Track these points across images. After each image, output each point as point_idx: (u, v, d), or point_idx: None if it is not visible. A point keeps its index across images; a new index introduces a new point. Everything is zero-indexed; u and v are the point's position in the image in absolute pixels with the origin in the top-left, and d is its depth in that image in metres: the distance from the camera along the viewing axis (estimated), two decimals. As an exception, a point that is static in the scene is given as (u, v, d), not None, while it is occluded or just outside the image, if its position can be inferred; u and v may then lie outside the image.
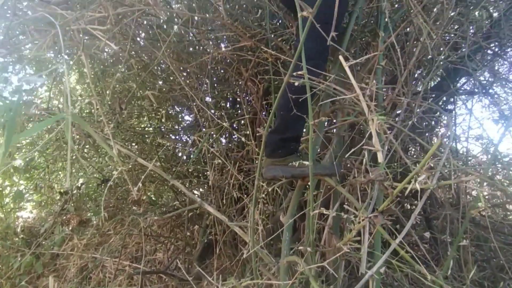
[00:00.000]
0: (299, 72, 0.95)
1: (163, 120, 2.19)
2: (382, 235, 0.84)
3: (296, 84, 0.92)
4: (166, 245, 2.24)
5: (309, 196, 0.98)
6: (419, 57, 1.66)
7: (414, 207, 2.18)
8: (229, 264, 1.72)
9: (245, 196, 1.77)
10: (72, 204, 2.73)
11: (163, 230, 2.46)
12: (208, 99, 2.17)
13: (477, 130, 3.85)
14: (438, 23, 1.60)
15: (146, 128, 2.76)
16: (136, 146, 2.35)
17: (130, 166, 1.86)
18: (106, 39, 1.01)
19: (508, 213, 2.41)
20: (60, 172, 3.20)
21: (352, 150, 0.98)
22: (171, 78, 2.21)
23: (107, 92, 1.67)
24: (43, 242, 2.57)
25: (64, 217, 2.92)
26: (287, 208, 1.51)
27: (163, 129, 2.47)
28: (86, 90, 2.79)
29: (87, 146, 2.54)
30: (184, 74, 2.25)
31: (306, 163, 1.04)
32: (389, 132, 1.17)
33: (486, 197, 2.02)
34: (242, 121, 2.16)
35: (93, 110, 2.10)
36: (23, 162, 2.71)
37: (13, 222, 2.68)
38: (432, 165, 0.88)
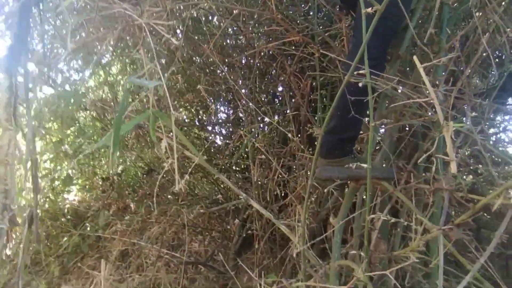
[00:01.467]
0: (360, 72, 0.90)
1: (205, 114, 2.21)
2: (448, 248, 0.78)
3: (360, 85, 0.88)
4: (203, 235, 2.29)
5: (366, 199, 0.94)
6: (481, 54, 1.54)
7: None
8: (268, 260, 1.72)
9: (286, 193, 1.76)
10: (114, 191, 2.85)
11: (199, 221, 2.52)
12: (245, 91, 2.16)
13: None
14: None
15: (186, 120, 2.82)
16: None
17: (175, 158, 1.90)
18: (166, 34, 1.02)
19: None
20: (102, 159, 3.36)
21: (425, 157, 0.91)
22: (214, 71, 2.22)
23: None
24: (87, 224, 2.72)
25: (106, 202, 3.08)
26: (332, 208, 1.48)
27: (201, 122, 2.50)
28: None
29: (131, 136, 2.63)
30: (226, 67, 2.26)
31: (364, 165, 1.00)
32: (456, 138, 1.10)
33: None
34: (282, 117, 2.13)
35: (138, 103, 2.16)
36: (70, 148, 2.87)
37: (62, 203, 2.86)
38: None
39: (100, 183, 3.25)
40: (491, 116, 2.14)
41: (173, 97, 1.94)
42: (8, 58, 0.61)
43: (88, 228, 2.72)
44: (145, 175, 2.48)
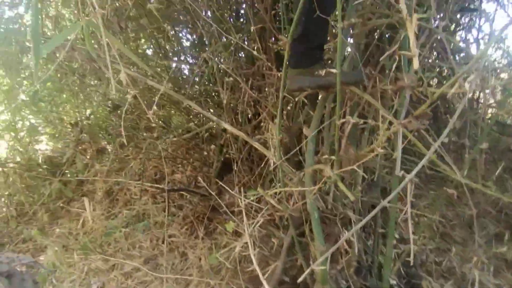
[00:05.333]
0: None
1: (163, 42, 2.05)
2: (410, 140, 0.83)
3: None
4: (183, 166, 2.34)
5: (336, 104, 0.96)
6: None
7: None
8: (248, 179, 1.81)
9: (258, 113, 1.76)
10: (86, 134, 2.77)
11: (178, 153, 2.55)
12: (208, 13, 2.00)
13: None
14: None
15: (147, 51, 2.62)
16: (139, 70, 2.26)
17: (139, 90, 1.81)
18: None
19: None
20: (66, 104, 3.17)
21: (388, 54, 0.91)
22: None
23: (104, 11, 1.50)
24: (66, 171, 2.69)
25: (80, 148, 3.02)
26: (304, 122, 1.52)
27: (164, 51, 2.34)
28: (73, 14, 2.57)
29: (89, 75, 2.45)
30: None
31: (333, 70, 0.98)
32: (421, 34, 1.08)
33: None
34: (247, 36, 2.02)
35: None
36: (27, 96, 2.67)
37: (34, 154, 2.78)
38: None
39: (70, 129, 3.13)
40: (457, 16, 2.12)
41: (124, 22, 1.76)
42: None
43: (69, 175, 2.70)
44: (111, 112, 2.39)
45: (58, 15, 2.44)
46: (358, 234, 1.34)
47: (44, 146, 3.32)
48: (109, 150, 2.96)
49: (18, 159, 2.84)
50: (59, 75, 2.51)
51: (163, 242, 2.01)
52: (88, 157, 2.87)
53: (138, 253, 2.06)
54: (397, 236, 1.66)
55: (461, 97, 0.87)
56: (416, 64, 0.81)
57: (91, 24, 0.65)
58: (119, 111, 2.04)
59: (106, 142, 3.06)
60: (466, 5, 1.95)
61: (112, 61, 1.39)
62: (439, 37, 1.25)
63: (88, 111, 3.16)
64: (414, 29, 0.78)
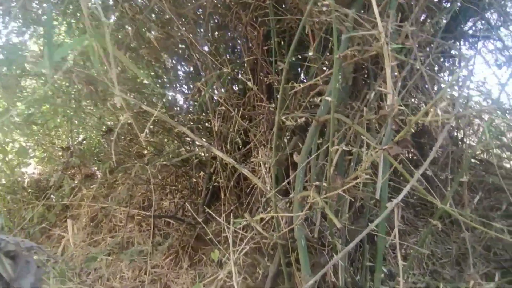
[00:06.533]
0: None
1: (159, 71, 2.13)
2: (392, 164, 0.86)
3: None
4: (172, 193, 2.31)
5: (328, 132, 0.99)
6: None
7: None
8: (235, 207, 1.80)
9: (248, 142, 1.80)
10: (76, 158, 2.75)
11: (167, 181, 2.53)
12: (205, 48, 2.10)
13: (478, 76, 3.90)
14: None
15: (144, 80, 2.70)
16: (134, 96, 2.31)
17: (133, 114, 1.84)
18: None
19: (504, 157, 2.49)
20: (59, 128, 3.18)
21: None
22: (168, 25, 2.11)
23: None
24: (52, 195, 2.63)
25: (69, 172, 2.98)
26: (291, 153, 1.54)
27: (161, 80, 2.41)
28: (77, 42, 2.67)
29: (85, 100, 2.48)
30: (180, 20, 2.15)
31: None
32: (402, 70, 1.15)
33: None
34: (240, 69, 2.11)
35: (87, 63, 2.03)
36: (20, 118, 2.68)
37: (19, 177, 2.73)
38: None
39: (60, 153, 3.12)
40: (440, 59, 2.26)
41: (123, 51, 1.83)
42: None
43: (54, 199, 2.64)
44: (104, 135, 2.40)
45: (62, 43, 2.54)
46: (346, 266, 1.32)
47: (31, 169, 3.28)
48: (98, 175, 2.93)
49: (3, 181, 2.79)
50: (55, 99, 2.55)
51: (145, 273, 1.93)
52: (75, 181, 2.83)
53: (118, 284, 1.97)
54: (385, 271, 1.63)
55: (442, 130, 0.92)
56: (390, 99, 0.87)
57: (98, 37, 0.69)
58: (111, 135, 2.05)
59: (95, 168, 3.04)
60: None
61: (109, 85, 1.43)
62: (422, 76, 1.33)
63: (81, 136, 3.17)
64: (391, 60, 0.84)
